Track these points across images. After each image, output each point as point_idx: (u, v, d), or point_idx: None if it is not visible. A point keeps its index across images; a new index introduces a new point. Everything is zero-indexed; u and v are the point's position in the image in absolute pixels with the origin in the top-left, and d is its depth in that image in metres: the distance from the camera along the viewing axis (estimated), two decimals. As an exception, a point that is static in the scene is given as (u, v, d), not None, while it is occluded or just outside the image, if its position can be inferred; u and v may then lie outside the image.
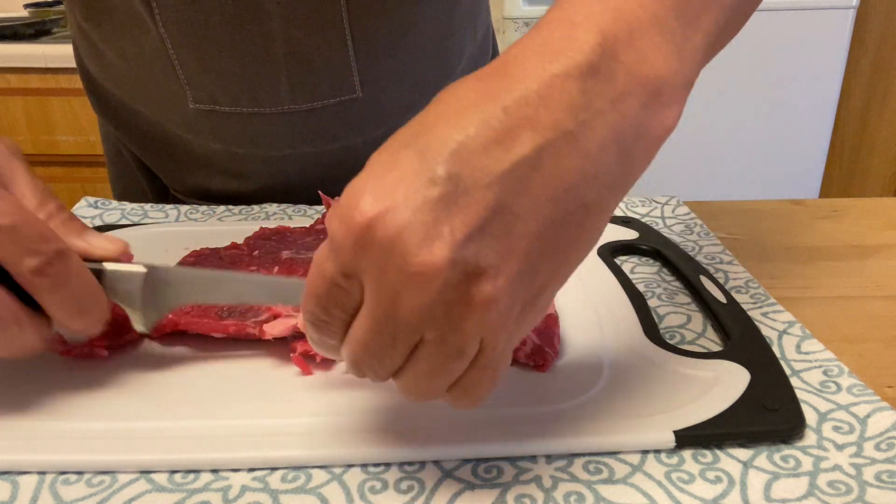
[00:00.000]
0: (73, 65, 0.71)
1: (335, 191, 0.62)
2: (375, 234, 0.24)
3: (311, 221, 0.57)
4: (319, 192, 0.57)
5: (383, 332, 0.26)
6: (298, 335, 0.39)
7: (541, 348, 0.38)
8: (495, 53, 0.79)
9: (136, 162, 0.73)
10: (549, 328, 0.39)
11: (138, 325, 0.37)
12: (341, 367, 0.38)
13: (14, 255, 0.31)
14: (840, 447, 0.32)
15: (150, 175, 0.73)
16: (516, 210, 0.25)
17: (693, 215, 0.60)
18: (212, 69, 0.58)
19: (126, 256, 0.38)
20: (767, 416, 0.33)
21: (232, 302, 0.40)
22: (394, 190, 0.24)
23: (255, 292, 0.37)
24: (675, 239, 0.56)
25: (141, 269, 0.36)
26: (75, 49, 0.70)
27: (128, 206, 0.64)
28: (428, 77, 0.66)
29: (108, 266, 0.36)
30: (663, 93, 0.28)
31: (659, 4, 0.27)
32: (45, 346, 0.34)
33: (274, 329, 0.38)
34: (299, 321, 0.39)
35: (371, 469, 0.31)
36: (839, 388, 0.36)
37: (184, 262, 0.47)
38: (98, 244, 0.36)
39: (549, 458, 0.32)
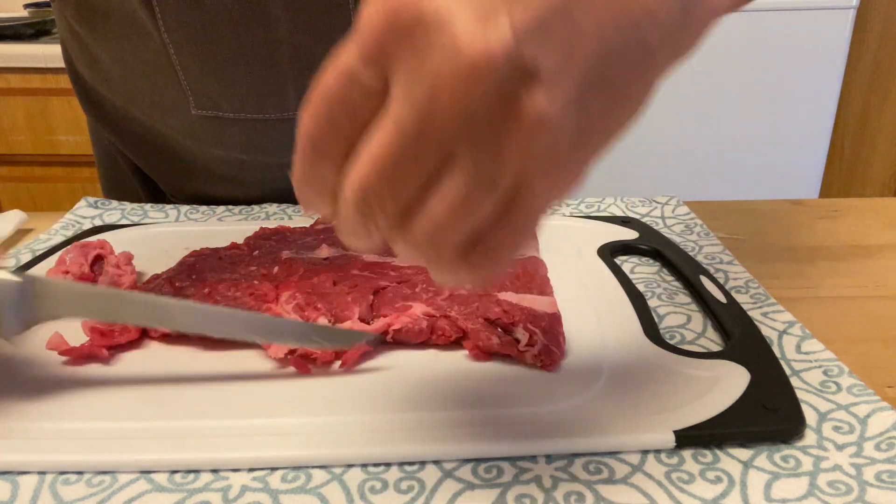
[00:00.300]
0: (73, 65, 0.70)
1: None
2: (420, 7, 0.20)
3: (312, 221, 0.57)
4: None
5: (407, 145, 0.21)
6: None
7: (548, 348, 0.38)
8: None
9: (131, 166, 0.72)
10: (553, 327, 0.39)
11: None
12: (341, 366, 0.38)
13: None
14: (840, 447, 0.32)
15: (146, 179, 0.73)
16: (580, 21, 0.21)
17: (693, 215, 0.60)
18: (216, 75, 0.58)
19: None
20: (767, 416, 0.33)
21: (135, 324, 0.38)
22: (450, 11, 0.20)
23: (158, 315, 0.36)
24: (675, 239, 0.56)
25: (13, 277, 0.33)
26: (64, 50, 0.69)
27: (128, 206, 0.64)
28: None
29: None
30: None
31: None
32: None
33: (279, 352, 0.38)
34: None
35: (371, 469, 0.31)
36: (839, 388, 0.36)
37: (184, 262, 0.47)
38: None
39: (549, 458, 0.32)
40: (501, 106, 0.21)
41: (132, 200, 0.73)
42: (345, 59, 0.22)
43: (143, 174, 0.72)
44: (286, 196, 0.66)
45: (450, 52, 0.20)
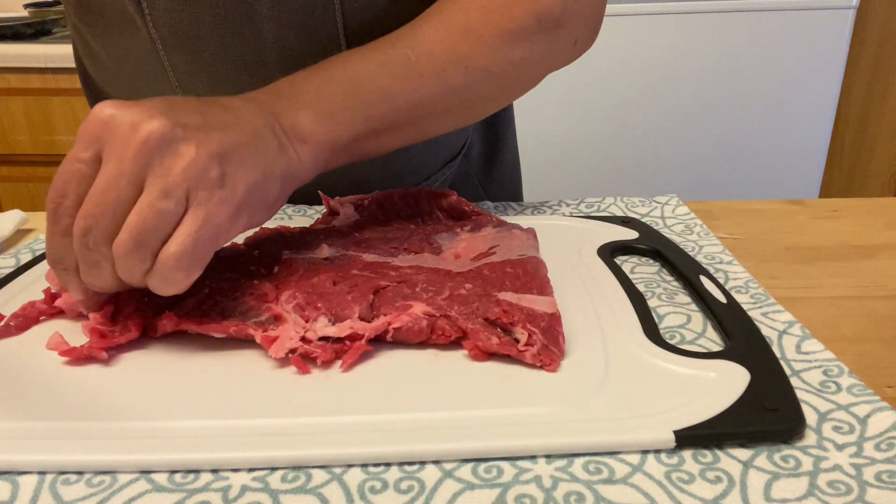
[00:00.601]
0: (73, 65, 0.71)
1: (334, 195, 0.62)
2: (116, 119, 0.36)
3: (311, 221, 0.57)
4: (319, 192, 0.57)
5: (115, 185, 0.36)
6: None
7: (546, 347, 0.38)
8: None
9: None
10: (553, 327, 0.39)
11: None
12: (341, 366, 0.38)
13: None
14: (840, 447, 0.32)
15: None
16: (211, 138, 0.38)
17: (693, 215, 0.60)
18: (203, 72, 0.58)
19: None
20: (767, 416, 0.33)
21: None
22: (132, 105, 0.37)
23: None
24: (675, 239, 0.56)
25: None
26: (74, 48, 0.70)
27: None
28: None
29: None
30: (294, 136, 0.45)
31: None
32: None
33: (279, 352, 0.38)
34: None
35: (371, 469, 0.31)
36: (839, 388, 0.36)
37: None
38: None
39: (549, 458, 0.32)
40: (169, 151, 0.36)
41: None
42: (72, 154, 0.37)
43: None
44: None
45: (132, 132, 0.36)
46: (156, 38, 0.56)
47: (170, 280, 0.37)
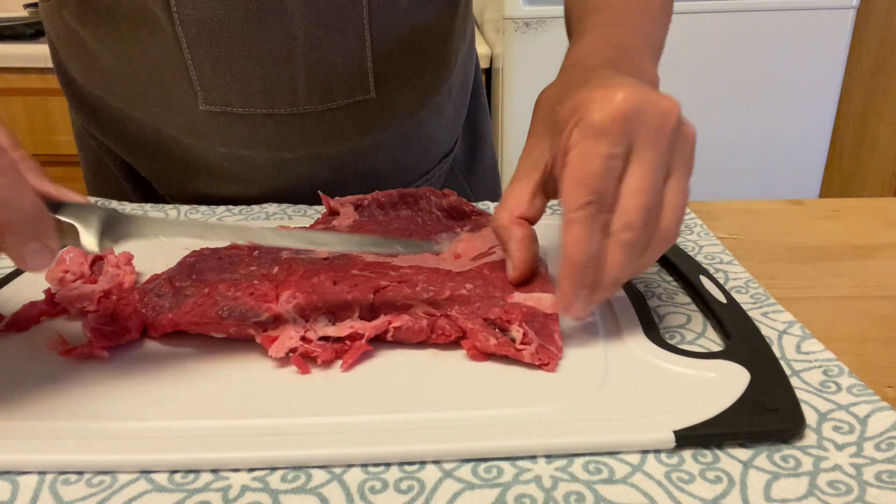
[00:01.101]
0: (74, 65, 0.70)
1: (340, 192, 0.62)
2: (645, 107, 0.35)
3: (311, 221, 0.57)
4: (319, 192, 0.57)
5: (658, 172, 0.35)
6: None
7: (543, 347, 0.38)
8: (476, 57, 0.81)
9: (122, 169, 0.72)
10: (548, 326, 0.39)
11: (88, 243, 0.35)
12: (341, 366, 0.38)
13: None
14: (840, 447, 0.32)
15: (138, 183, 0.72)
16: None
17: (693, 215, 0.60)
18: (228, 70, 0.58)
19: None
20: (767, 416, 0.33)
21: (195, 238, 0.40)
22: (634, 84, 0.36)
23: (219, 233, 0.40)
24: (675, 239, 0.56)
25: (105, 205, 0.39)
26: (54, 52, 0.68)
27: (128, 206, 0.64)
28: (431, 79, 0.67)
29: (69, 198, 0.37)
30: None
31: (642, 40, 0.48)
32: None
33: (279, 351, 0.38)
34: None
35: (371, 469, 0.31)
36: (839, 388, 0.36)
37: (184, 262, 0.47)
38: (57, 189, 0.38)
39: (549, 458, 0.32)
40: (682, 128, 0.37)
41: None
42: (600, 151, 0.35)
43: (136, 177, 0.72)
44: (288, 192, 0.66)
45: (669, 118, 0.36)
46: (181, 36, 0.56)
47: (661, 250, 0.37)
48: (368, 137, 0.65)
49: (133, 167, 0.71)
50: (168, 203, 0.71)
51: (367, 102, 0.63)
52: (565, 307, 0.38)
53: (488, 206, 0.64)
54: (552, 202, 0.64)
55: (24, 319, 0.43)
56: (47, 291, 0.44)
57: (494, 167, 0.88)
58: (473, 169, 0.83)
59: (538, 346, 0.38)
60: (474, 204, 0.57)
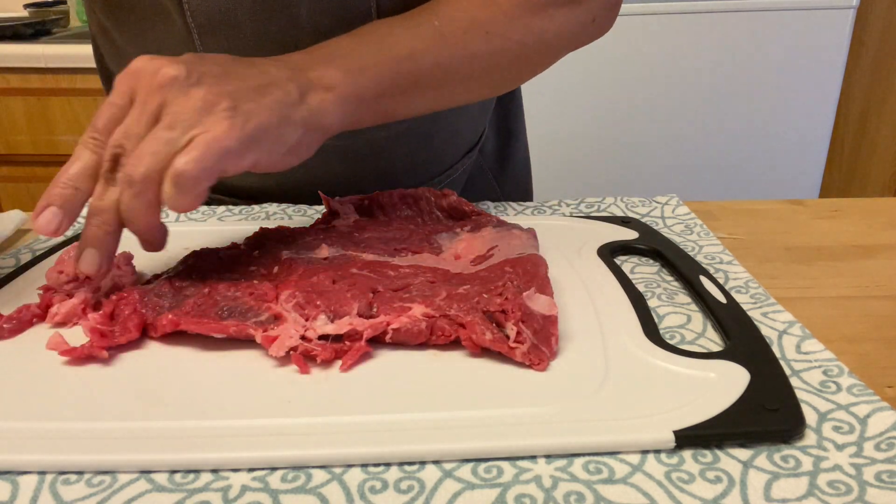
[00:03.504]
0: (74, 65, 0.71)
1: (357, 187, 0.62)
2: (143, 68, 0.42)
3: (311, 221, 0.57)
4: (319, 192, 0.57)
5: (137, 120, 0.40)
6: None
7: (536, 347, 0.38)
8: None
9: None
10: (547, 328, 0.39)
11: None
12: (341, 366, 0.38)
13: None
14: (840, 447, 0.32)
15: None
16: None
17: (693, 215, 0.60)
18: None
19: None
20: (767, 416, 0.33)
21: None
22: (160, 57, 0.42)
23: None
24: (675, 239, 0.56)
25: None
26: (95, 49, 0.70)
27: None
28: None
29: None
30: (319, 85, 0.46)
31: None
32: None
33: (279, 350, 0.38)
34: None
35: (371, 469, 0.31)
36: (839, 388, 0.36)
37: (184, 262, 0.47)
38: None
39: (549, 458, 0.32)
40: (180, 89, 0.41)
41: None
42: (109, 100, 0.42)
43: None
44: (298, 187, 0.65)
45: (155, 75, 0.41)
46: (192, 26, 0.57)
47: (180, 185, 0.39)
48: (383, 130, 0.64)
49: None
50: None
51: None
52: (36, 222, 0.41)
53: (488, 206, 0.64)
54: (546, 204, 0.64)
55: (18, 322, 0.43)
56: (42, 296, 0.44)
57: (527, 167, 0.86)
58: (504, 167, 0.81)
59: (531, 346, 0.38)
60: (474, 204, 0.57)
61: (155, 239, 0.43)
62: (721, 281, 0.48)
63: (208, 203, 0.69)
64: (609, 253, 0.52)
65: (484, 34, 0.52)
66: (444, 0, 0.53)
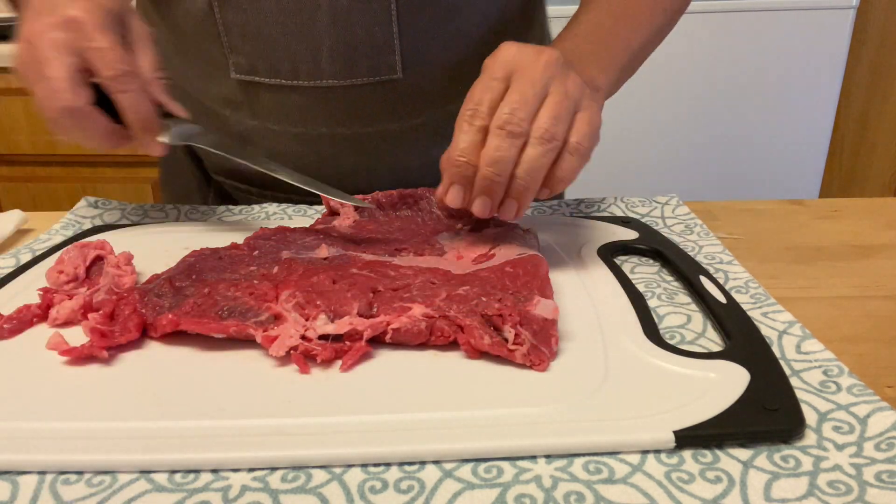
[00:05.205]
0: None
1: (371, 180, 0.62)
2: (521, 52, 0.47)
3: (311, 221, 0.57)
4: (321, 193, 0.57)
5: (529, 90, 0.45)
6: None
7: (536, 348, 0.38)
8: None
9: (184, 149, 0.75)
10: (547, 330, 0.39)
11: (165, 137, 0.52)
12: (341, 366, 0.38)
13: (101, 68, 0.47)
14: (840, 447, 0.32)
15: (196, 162, 0.75)
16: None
17: (693, 215, 0.60)
18: (255, 35, 0.59)
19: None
20: (767, 416, 0.33)
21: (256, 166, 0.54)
22: (527, 45, 0.48)
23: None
24: (675, 239, 0.56)
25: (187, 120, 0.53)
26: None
27: (128, 206, 0.64)
28: (471, 69, 0.64)
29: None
30: (592, 86, 0.51)
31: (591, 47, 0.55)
32: (121, 144, 0.52)
33: (279, 350, 0.38)
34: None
35: (371, 469, 0.31)
36: (839, 388, 0.36)
37: (184, 262, 0.47)
38: (169, 101, 0.52)
39: (549, 458, 0.32)
40: (561, 70, 0.47)
41: (186, 188, 0.74)
42: (485, 79, 0.47)
43: (194, 158, 0.75)
44: (319, 174, 0.65)
45: (534, 60, 0.47)
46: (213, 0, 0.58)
47: (581, 162, 0.46)
48: (395, 123, 0.64)
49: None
50: (215, 184, 0.73)
51: (393, 84, 0.62)
52: (440, 195, 0.48)
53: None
54: (546, 204, 0.64)
55: (18, 322, 0.43)
56: (43, 296, 0.44)
57: None
58: None
59: (530, 347, 0.38)
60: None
61: (529, 198, 0.47)
62: (721, 281, 0.48)
63: (235, 201, 0.69)
64: (609, 253, 0.52)
65: (662, 10, 0.61)
66: None
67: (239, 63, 0.61)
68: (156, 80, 0.51)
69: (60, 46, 0.46)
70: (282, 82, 0.61)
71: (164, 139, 0.51)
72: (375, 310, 0.41)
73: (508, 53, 0.47)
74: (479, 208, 0.46)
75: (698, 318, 0.43)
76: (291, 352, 0.38)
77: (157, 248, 0.54)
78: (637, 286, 0.47)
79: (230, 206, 0.64)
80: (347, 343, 0.39)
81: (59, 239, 0.57)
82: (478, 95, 0.46)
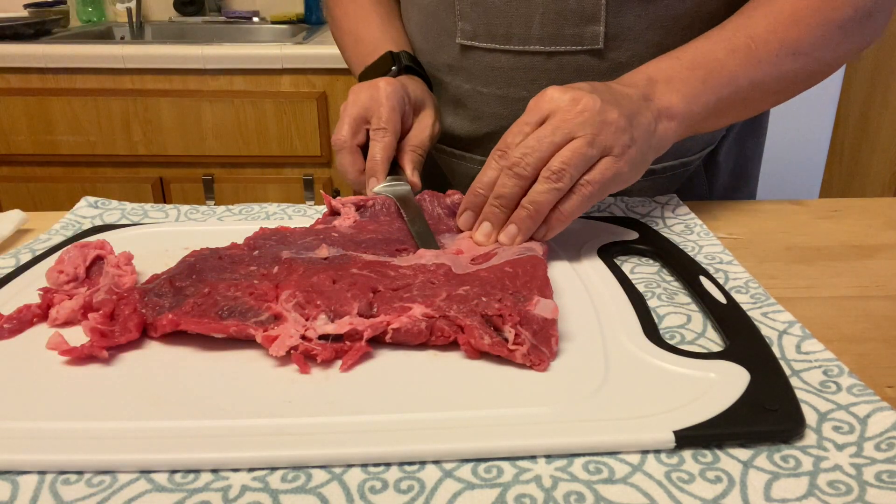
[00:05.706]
0: (74, 65, 0.71)
1: None
2: (558, 97, 0.49)
3: (311, 221, 0.57)
4: (321, 192, 0.58)
5: (553, 133, 0.48)
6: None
7: (537, 348, 0.38)
8: None
9: None
10: (547, 330, 0.39)
11: (377, 187, 0.58)
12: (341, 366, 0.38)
13: (372, 121, 0.60)
14: (840, 447, 0.32)
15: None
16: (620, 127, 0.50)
17: (693, 215, 0.60)
18: (482, 2, 0.64)
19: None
20: (767, 416, 0.33)
21: None
22: (566, 88, 0.50)
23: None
24: (675, 239, 0.56)
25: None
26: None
27: (128, 206, 0.64)
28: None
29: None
30: (665, 114, 0.53)
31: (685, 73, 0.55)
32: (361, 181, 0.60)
33: (280, 350, 0.38)
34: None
35: (371, 469, 0.31)
36: (839, 388, 0.36)
37: (184, 262, 0.47)
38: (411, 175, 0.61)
39: (549, 458, 0.32)
40: (599, 118, 0.49)
41: None
42: (522, 121, 0.51)
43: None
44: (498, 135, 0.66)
45: (573, 104, 0.49)
46: None
47: (583, 203, 0.49)
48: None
49: None
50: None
51: (593, 55, 0.63)
52: (458, 216, 0.53)
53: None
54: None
55: (18, 322, 0.43)
56: (43, 296, 0.44)
57: (743, 166, 0.83)
58: (717, 168, 0.78)
59: (530, 347, 0.38)
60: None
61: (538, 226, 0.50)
62: (721, 281, 0.48)
63: (445, 143, 0.76)
64: (609, 253, 0.52)
65: (792, 55, 0.56)
66: (752, 19, 0.57)
67: (465, 29, 0.66)
68: (410, 148, 0.62)
69: (358, 103, 0.60)
70: (496, 46, 0.65)
71: (374, 188, 0.58)
72: (375, 310, 0.41)
73: (548, 97, 0.50)
74: (481, 232, 0.51)
75: (698, 319, 0.43)
76: (291, 352, 0.38)
77: (157, 248, 0.54)
78: (637, 286, 0.47)
79: (230, 206, 0.64)
80: (347, 343, 0.39)
81: (58, 239, 0.57)
82: (510, 138, 0.50)
